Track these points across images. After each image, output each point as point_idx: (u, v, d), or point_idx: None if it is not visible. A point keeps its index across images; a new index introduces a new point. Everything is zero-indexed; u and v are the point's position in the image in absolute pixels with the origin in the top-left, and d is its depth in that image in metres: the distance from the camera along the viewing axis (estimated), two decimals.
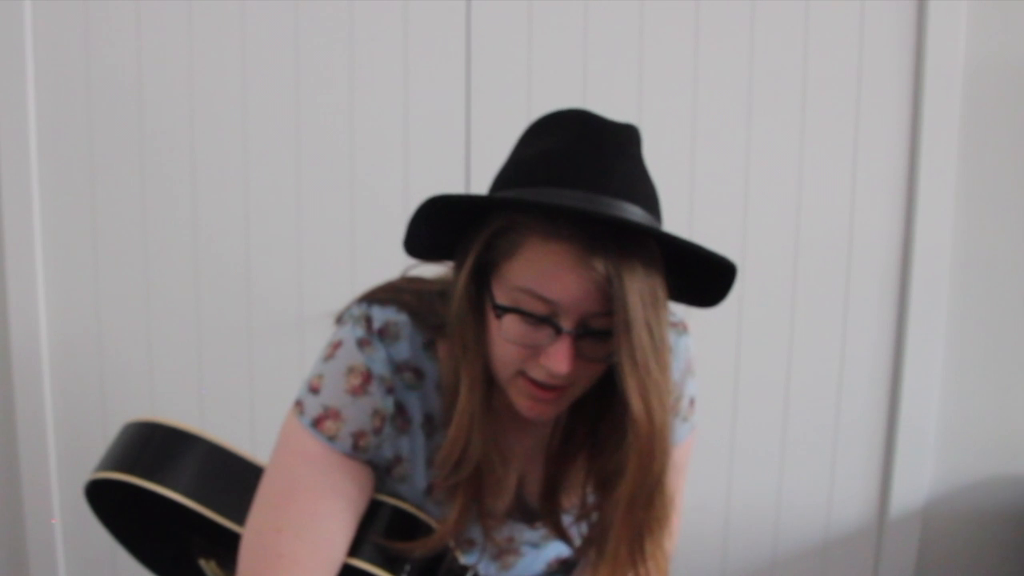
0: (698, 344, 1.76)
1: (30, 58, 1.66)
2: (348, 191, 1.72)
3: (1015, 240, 1.77)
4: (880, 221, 1.77)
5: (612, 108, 1.71)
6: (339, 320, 0.88)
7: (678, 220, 1.74)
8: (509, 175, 0.77)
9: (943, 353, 1.79)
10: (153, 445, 0.92)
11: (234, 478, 0.91)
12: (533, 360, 0.76)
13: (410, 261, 0.87)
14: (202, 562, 0.95)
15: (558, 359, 0.73)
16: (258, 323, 1.75)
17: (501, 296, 0.76)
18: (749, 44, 1.71)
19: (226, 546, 0.87)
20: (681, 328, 0.94)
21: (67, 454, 1.77)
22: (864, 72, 1.72)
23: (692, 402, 0.97)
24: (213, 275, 1.74)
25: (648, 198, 0.76)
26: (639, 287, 0.71)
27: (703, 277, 0.78)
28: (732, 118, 1.73)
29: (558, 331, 0.74)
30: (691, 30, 1.71)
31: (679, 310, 0.93)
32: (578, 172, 0.73)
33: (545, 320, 0.74)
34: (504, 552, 0.95)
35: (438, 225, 0.79)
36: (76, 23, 1.66)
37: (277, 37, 1.68)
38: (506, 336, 0.76)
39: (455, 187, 1.72)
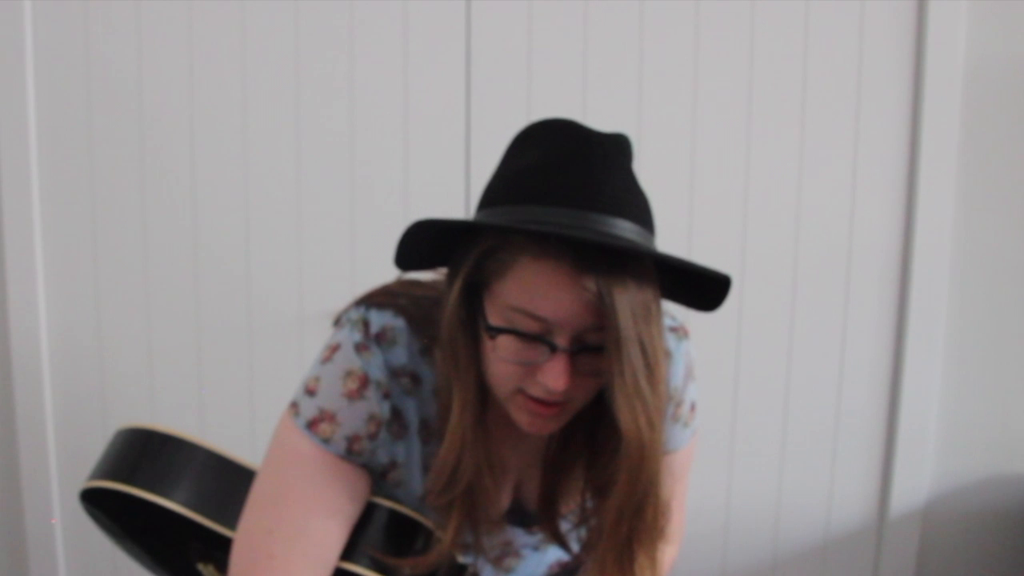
0: (699, 344, 1.76)
1: (30, 58, 1.65)
2: (348, 191, 1.72)
3: (1015, 240, 1.77)
4: (880, 221, 1.77)
5: (612, 108, 1.72)
6: (336, 322, 0.88)
7: (678, 220, 1.74)
8: (497, 190, 0.76)
9: (943, 353, 1.79)
10: (148, 453, 0.92)
11: (229, 484, 0.90)
12: (530, 377, 0.76)
13: None
14: (200, 566, 0.95)
15: (554, 376, 0.73)
16: (258, 323, 1.75)
17: (494, 316, 0.75)
18: (749, 44, 1.71)
19: (224, 550, 0.87)
20: (681, 333, 0.94)
21: (67, 454, 1.77)
22: (864, 72, 1.72)
23: (693, 407, 0.96)
24: (213, 275, 1.74)
25: (639, 211, 0.75)
26: (630, 303, 0.71)
27: (698, 287, 0.78)
28: (732, 118, 1.73)
29: (553, 348, 0.73)
30: (691, 30, 1.70)
31: (680, 314, 0.94)
32: (567, 189, 0.72)
33: (539, 338, 0.73)
34: (503, 555, 0.94)
35: (428, 243, 0.78)
36: (76, 23, 1.66)
37: (277, 37, 1.68)
38: (501, 355, 0.75)
39: (455, 187, 1.72)
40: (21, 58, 1.64)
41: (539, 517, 0.90)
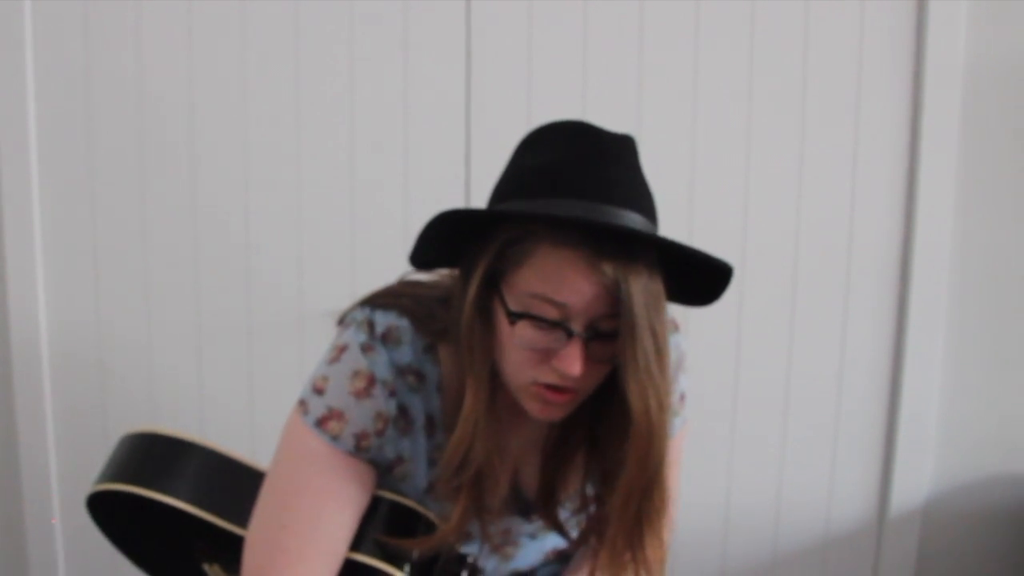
0: (699, 342, 1.77)
1: (30, 58, 1.65)
2: (348, 191, 1.72)
3: (1015, 240, 1.77)
4: (880, 221, 1.77)
5: (612, 108, 1.73)
6: (341, 322, 0.90)
7: (678, 219, 1.75)
8: (512, 186, 0.80)
9: (943, 353, 1.79)
10: (153, 455, 0.94)
11: (234, 482, 0.92)
12: (545, 365, 0.79)
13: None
14: (206, 566, 0.96)
15: (570, 361, 0.76)
16: (258, 323, 1.75)
17: (512, 303, 0.78)
18: (749, 44, 1.71)
19: (230, 549, 0.88)
20: (672, 326, 0.97)
21: (67, 454, 1.77)
22: (864, 72, 1.72)
23: (683, 397, 1.00)
24: (213, 274, 1.74)
25: (647, 206, 0.79)
26: (643, 291, 0.75)
27: (699, 279, 0.82)
28: (732, 117, 1.73)
29: (569, 334, 0.76)
30: (691, 30, 1.71)
31: (680, 313, 0.95)
32: (582, 183, 0.76)
33: (557, 324, 0.76)
34: (502, 544, 0.97)
35: (442, 237, 0.82)
36: (76, 23, 1.66)
37: (277, 37, 1.68)
38: (519, 342, 0.78)
39: (455, 187, 1.72)
40: (21, 58, 1.64)
41: (538, 505, 0.93)
